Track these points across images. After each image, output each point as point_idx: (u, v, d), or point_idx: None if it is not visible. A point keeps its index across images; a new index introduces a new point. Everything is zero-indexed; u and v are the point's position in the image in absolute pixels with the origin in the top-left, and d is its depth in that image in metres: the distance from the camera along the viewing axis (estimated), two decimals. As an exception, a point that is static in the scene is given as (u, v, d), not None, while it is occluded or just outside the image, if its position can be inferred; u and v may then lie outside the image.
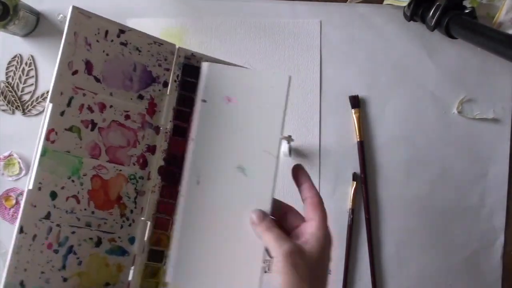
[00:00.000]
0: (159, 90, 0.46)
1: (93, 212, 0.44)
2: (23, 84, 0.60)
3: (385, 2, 0.59)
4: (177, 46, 0.46)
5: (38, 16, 0.60)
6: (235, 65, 0.46)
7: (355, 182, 0.61)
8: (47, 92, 0.60)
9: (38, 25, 0.60)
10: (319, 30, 0.61)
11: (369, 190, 0.61)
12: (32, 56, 0.60)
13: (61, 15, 0.60)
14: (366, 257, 0.61)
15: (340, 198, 0.61)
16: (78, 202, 0.43)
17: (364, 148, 0.60)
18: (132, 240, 0.45)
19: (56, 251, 0.41)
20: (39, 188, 0.42)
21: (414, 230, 0.60)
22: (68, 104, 0.43)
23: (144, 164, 0.46)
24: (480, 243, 0.61)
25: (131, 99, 0.45)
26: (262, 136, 0.46)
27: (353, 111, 0.60)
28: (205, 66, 0.47)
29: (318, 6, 0.61)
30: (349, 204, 0.61)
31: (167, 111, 0.46)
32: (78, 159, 0.44)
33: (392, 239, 0.61)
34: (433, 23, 0.53)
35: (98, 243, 0.44)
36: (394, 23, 0.61)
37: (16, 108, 0.61)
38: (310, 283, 0.40)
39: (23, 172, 0.61)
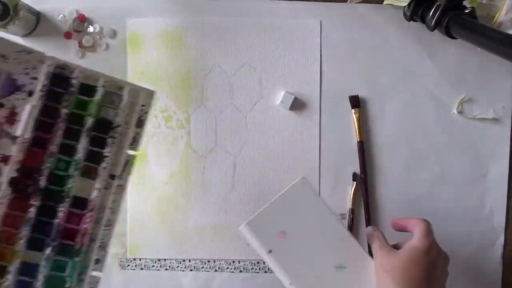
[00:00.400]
0: (23, 99, 0.45)
1: None
2: None
3: (385, 2, 0.59)
4: (46, 55, 0.46)
5: (38, 16, 0.60)
6: (111, 76, 0.48)
7: (355, 182, 0.61)
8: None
9: (38, 25, 0.60)
10: (319, 30, 0.61)
11: (369, 190, 0.61)
12: (32, 56, 0.60)
13: (61, 15, 0.60)
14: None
15: (340, 198, 0.61)
16: None
17: (364, 148, 0.60)
18: None
19: None
20: None
21: None
22: None
23: None
24: (480, 243, 0.61)
25: None
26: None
27: (353, 111, 0.60)
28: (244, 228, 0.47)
29: (318, 6, 0.61)
30: (349, 204, 0.61)
31: (28, 121, 0.45)
32: None
33: (392, 239, 0.61)
34: (433, 23, 0.53)
35: None
36: (394, 23, 0.61)
37: (16, 108, 0.61)
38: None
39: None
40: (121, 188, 0.47)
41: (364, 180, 0.60)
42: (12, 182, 0.44)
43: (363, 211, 0.61)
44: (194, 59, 0.60)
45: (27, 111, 0.45)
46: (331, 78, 0.61)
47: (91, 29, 0.60)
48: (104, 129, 0.47)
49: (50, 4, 0.60)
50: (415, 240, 0.46)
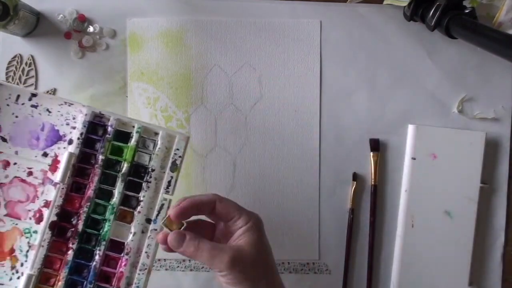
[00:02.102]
0: (64, 147, 0.48)
1: None
2: (23, 84, 0.60)
3: (385, 2, 0.59)
4: (85, 106, 0.48)
5: (38, 16, 0.60)
6: (145, 122, 0.49)
7: (355, 182, 0.61)
8: (47, 92, 0.60)
9: (38, 25, 0.60)
10: (319, 30, 0.61)
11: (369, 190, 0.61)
12: (32, 56, 0.60)
13: (61, 15, 0.60)
14: (367, 257, 0.61)
15: (340, 198, 0.61)
16: None
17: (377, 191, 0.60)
18: None
19: None
20: None
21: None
22: None
23: (40, 218, 0.47)
24: (480, 243, 0.61)
25: (36, 156, 0.48)
26: (463, 185, 0.59)
27: (371, 154, 0.60)
28: (411, 128, 0.59)
29: (318, 6, 0.61)
30: (349, 204, 0.61)
31: (66, 167, 0.47)
32: None
33: (395, 241, 0.61)
34: (433, 23, 0.53)
35: None
36: (394, 23, 0.61)
37: (16, 108, 0.61)
38: (264, 275, 0.40)
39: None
40: (156, 233, 0.47)
41: (373, 223, 0.61)
42: (52, 226, 0.46)
43: (363, 211, 0.61)
44: (194, 59, 0.60)
45: (66, 159, 0.47)
46: (331, 78, 0.61)
47: (91, 29, 0.60)
48: (139, 173, 0.48)
49: (50, 4, 0.60)
50: (247, 225, 0.43)
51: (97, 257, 0.46)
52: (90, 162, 0.48)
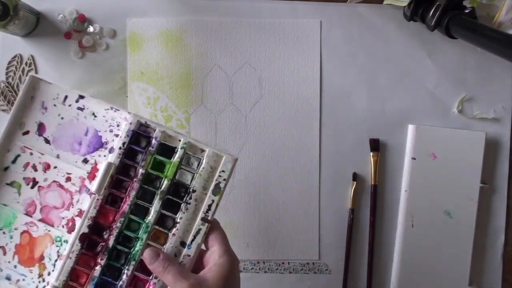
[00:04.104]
0: (104, 155, 0.46)
1: (15, 266, 0.45)
2: (23, 84, 0.60)
3: (385, 2, 0.59)
4: (131, 113, 0.45)
5: (38, 16, 0.60)
6: (192, 138, 0.45)
7: (355, 182, 0.61)
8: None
9: (38, 25, 0.60)
10: (319, 30, 0.61)
11: (371, 192, 0.61)
12: (32, 56, 0.60)
13: (61, 15, 0.60)
14: (367, 257, 0.61)
15: (340, 198, 0.61)
16: (4, 253, 0.45)
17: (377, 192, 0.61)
18: None
19: None
20: None
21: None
22: (14, 161, 0.46)
23: (72, 228, 0.45)
24: (480, 243, 0.61)
25: (76, 162, 0.46)
26: (463, 185, 0.59)
27: (371, 154, 0.60)
28: (411, 128, 0.59)
29: (318, 6, 0.61)
30: (349, 204, 0.61)
31: (103, 178, 0.44)
32: (13, 213, 0.46)
33: (395, 241, 0.61)
34: (433, 23, 0.53)
35: None
36: (394, 23, 0.61)
37: (16, 108, 0.61)
38: None
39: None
40: (189, 259, 0.43)
41: (373, 223, 0.61)
42: (83, 238, 0.44)
43: (363, 211, 0.61)
44: (194, 59, 0.60)
45: (104, 169, 0.44)
46: (331, 78, 0.61)
47: (91, 29, 0.60)
48: (179, 193, 0.45)
49: (50, 4, 0.60)
50: (220, 256, 0.42)
51: (124, 277, 0.43)
52: (129, 175, 0.45)
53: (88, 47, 0.60)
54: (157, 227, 0.44)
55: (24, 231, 0.46)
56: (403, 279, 0.59)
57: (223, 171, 0.45)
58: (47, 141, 0.46)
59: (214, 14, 0.60)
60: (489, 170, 0.61)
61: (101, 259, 0.43)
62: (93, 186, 0.44)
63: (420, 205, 0.59)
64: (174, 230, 0.44)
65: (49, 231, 0.45)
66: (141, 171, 0.44)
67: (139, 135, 0.45)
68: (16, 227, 0.46)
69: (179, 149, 0.45)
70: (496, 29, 0.57)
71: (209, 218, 0.44)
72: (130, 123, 0.45)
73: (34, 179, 0.46)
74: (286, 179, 0.61)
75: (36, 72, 0.60)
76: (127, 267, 0.44)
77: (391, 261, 0.61)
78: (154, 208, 0.44)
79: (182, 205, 0.44)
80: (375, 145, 0.60)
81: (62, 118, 0.46)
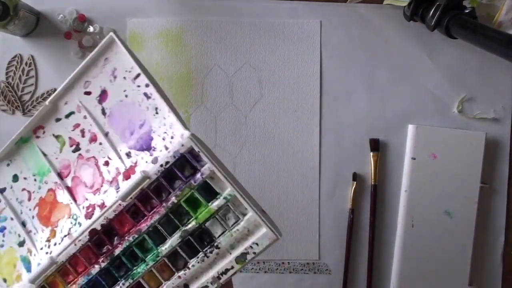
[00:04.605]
0: (146, 162, 0.42)
1: (33, 217, 0.46)
2: (23, 84, 0.60)
3: (385, 2, 0.59)
4: (188, 133, 0.40)
5: (38, 16, 0.60)
6: (242, 194, 0.40)
7: (355, 182, 0.61)
8: (47, 92, 0.60)
9: (38, 25, 0.60)
10: (319, 30, 0.61)
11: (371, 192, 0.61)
12: (32, 56, 0.60)
13: (61, 15, 0.60)
14: (367, 257, 0.61)
15: (340, 198, 0.61)
16: (29, 199, 0.46)
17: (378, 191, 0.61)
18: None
19: None
20: (8, 164, 0.46)
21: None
22: (67, 116, 0.45)
23: (89, 215, 0.43)
24: (480, 243, 0.61)
25: (120, 151, 0.43)
26: (463, 185, 0.59)
27: (371, 154, 0.60)
28: (411, 128, 0.59)
29: (318, 6, 0.61)
30: (349, 204, 0.61)
31: (133, 187, 0.41)
32: (48, 166, 0.46)
33: (395, 241, 0.61)
34: (433, 23, 0.53)
35: (21, 244, 0.45)
36: (394, 23, 0.61)
37: (16, 108, 0.61)
38: None
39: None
40: None
41: (373, 223, 0.61)
42: (92, 233, 0.43)
43: (363, 211, 0.61)
44: (194, 59, 0.60)
45: (138, 179, 0.41)
46: (331, 78, 0.61)
47: (91, 29, 0.60)
48: (202, 239, 0.41)
49: (50, 4, 0.60)
50: None
51: None
52: (160, 195, 0.41)
53: (88, 47, 0.60)
54: (166, 260, 0.42)
55: (51, 189, 0.45)
56: (403, 279, 0.59)
57: (256, 244, 0.40)
58: (104, 112, 0.43)
59: (214, 14, 0.60)
60: (489, 170, 0.61)
61: (103, 261, 0.43)
62: (121, 190, 0.41)
63: (420, 205, 0.59)
64: (182, 272, 0.41)
65: (71, 203, 0.44)
66: (173, 199, 0.41)
67: (186, 160, 0.41)
68: (46, 181, 0.45)
69: (221, 198, 0.41)
70: (496, 29, 0.57)
71: (221, 281, 0.41)
72: (182, 145, 0.40)
73: (78, 143, 0.44)
74: (286, 179, 0.61)
75: (36, 72, 0.60)
76: (123, 281, 0.43)
77: (391, 261, 0.61)
78: (171, 242, 0.41)
79: (200, 253, 0.41)
80: (375, 145, 0.60)
81: (126, 96, 0.43)
